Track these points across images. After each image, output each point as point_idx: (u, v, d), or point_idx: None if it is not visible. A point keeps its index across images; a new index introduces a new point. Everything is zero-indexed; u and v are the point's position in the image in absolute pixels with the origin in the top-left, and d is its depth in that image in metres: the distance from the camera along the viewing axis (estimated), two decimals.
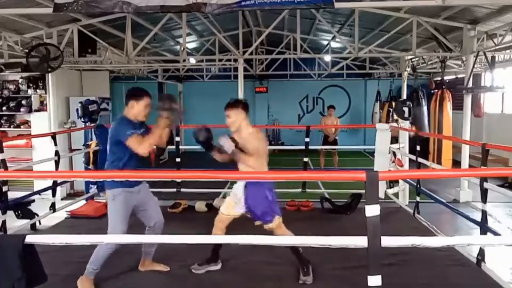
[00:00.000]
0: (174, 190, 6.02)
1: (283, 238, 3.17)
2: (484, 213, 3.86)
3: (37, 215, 5.75)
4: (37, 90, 8.29)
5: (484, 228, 3.88)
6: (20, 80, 8.44)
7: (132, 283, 3.63)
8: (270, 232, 3.48)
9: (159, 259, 3.93)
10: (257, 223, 3.56)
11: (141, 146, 3.30)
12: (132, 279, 3.68)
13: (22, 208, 5.81)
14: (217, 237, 3.48)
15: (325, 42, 12.96)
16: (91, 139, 6.41)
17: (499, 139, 9.47)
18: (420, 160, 5.46)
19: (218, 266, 3.82)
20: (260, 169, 3.50)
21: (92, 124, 6.40)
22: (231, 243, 3.61)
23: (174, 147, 6.34)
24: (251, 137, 3.55)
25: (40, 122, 8.12)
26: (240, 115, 3.57)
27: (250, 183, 3.52)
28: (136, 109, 3.45)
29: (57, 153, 5.47)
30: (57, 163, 5.46)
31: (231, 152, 3.41)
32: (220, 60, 11.66)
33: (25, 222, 5.50)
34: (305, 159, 6.32)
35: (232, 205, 3.64)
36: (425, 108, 10.19)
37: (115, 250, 3.39)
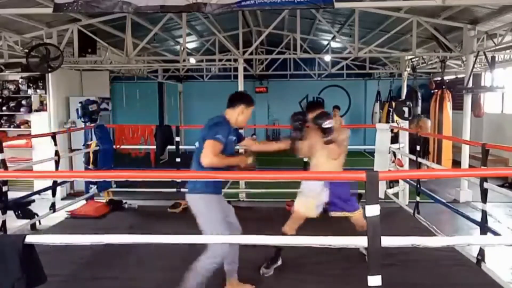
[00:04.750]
0: (174, 190, 6.02)
1: (284, 238, 3.15)
2: (484, 213, 3.86)
3: (37, 215, 5.75)
4: (37, 90, 8.29)
5: (484, 228, 3.87)
6: (20, 80, 8.44)
7: (132, 282, 3.63)
8: (274, 233, 3.43)
9: (159, 259, 3.93)
10: (337, 214, 3.79)
11: (212, 157, 2.97)
12: (132, 279, 3.67)
13: (22, 208, 5.81)
14: (216, 237, 3.46)
15: (325, 42, 12.96)
16: (91, 139, 6.41)
17: (499, 139, 9.50)
18: (420, 160, 5.46)
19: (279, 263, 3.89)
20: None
21: (92, 124, 6.40)
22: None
23: (174, 147, 6.36)
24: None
25: (40, 122, 8.12)
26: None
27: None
28: (245, 116, 3.26)
29: (57, 153, 5.47)
30: (57, 163, 5.46)
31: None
32: (220, 60, 11.67)
33: (25, 222, 5.49)
34: (305, 159, 6.31)
35: (313, 206, 3.70)
36: (419, 108, 10.22)
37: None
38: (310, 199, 3.73)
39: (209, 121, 3.23)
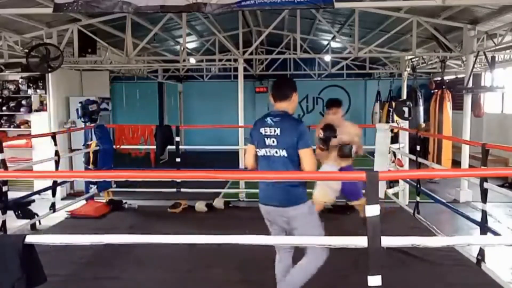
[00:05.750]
0: (174, 190, 6.03)
1: (285, 238, 3.15)
2: (484, 213, 3.86)
3: (37, 215, 5.75)
4: (37, 90, 8.29)
5: (484, 228, 3.88)
6: (20, 80, 8.44)
7: (132, 282, 3.63)
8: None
9: (159, 259, 3.93)
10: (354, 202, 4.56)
11: (315, 165, 2.90)
12: (132, 279, 3.67)
13: (22, 208, 5.81)
14: (216, 237, 3.46)
15: (325, 42, 12.96)
16: (91, 139, 6.42)
17: (499, 139, 9.50)
18: (420, 160, 5.46)
19: None
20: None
21: (92, 124, 6.40)
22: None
23: (174, 147, 6.36)
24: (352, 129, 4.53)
25: (40, 122, 8.11)
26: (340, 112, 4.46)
27: (345, 168, 4.25)
28: (296, 103, 3.08)
29: (57, 153, 5.47)
30: (57, 163, 5.46)
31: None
32: (220, 60, 11.66)
33: (25, 222, 5.50)
34: None
35: (328, 193, 4.09)
36: (421, 108, 10.24)
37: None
38: (324, 187, 4.10)
39: (289, 125, 2.93)
